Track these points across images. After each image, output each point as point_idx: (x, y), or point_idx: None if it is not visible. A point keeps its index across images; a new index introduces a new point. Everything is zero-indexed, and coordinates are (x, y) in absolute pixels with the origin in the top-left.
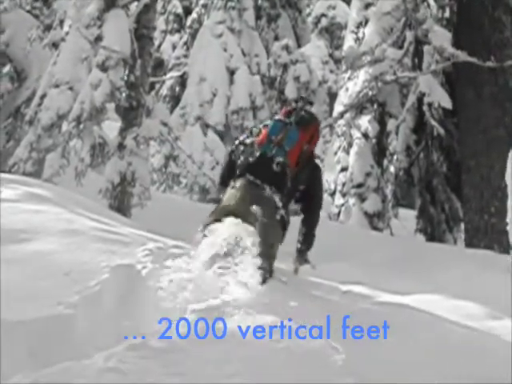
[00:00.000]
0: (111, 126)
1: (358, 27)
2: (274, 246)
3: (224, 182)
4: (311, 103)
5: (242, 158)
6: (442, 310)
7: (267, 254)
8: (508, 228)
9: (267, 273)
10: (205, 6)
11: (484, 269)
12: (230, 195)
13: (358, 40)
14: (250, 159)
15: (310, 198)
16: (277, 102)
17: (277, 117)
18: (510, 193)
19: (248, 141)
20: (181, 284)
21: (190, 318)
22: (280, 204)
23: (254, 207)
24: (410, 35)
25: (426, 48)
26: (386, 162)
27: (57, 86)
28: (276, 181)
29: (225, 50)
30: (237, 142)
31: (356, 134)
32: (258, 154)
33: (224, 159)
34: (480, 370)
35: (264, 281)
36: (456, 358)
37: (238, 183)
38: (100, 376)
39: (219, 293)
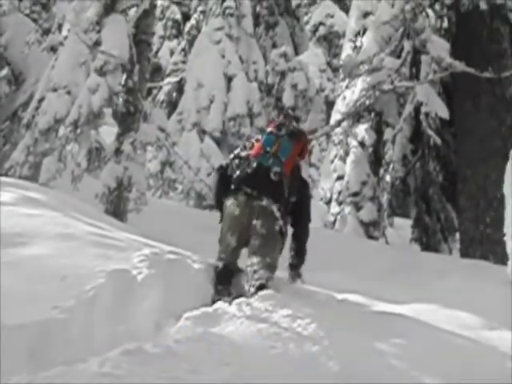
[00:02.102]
0: (108, 131)
1: (356, 36)
2: (274, 256)
3: (219, 202)
4: (298, 119)
5: (238, 171)
6: (437, 319)
7: (267, 264)
8: (505, 238)
9: (267, 282)
10: (203, 12)
11: (479, 279)
12: (230, 214)
13: (355, 49)
14: (248, 170)
15: (299, 213)
16: (274, 109)
17: (269, 129)
18: (507, 203)
19: (243, 154)
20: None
21: (185, 324)
22: (278, 214)
23: (254, 221)
24: (408, 45)
25: (423, 58)
26: (382, 170)
27: (54, 89)
28: (273, 190)
29: (223, 56)
30: (231, 156)
31: (353, 142)
32: (254, 164)
33: (213, 178)
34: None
35: (261, 288)
36: (452, 367)
37: (236, 198)
38: (95, 381)
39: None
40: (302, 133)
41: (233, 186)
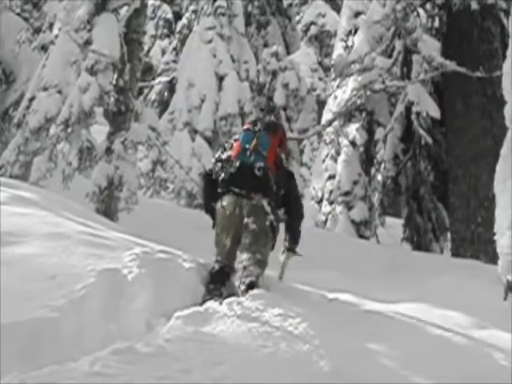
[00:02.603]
0: (99, 130)
1: (347, 35)
2: (264, 253)
3: (209, 207)
4: (273, 111)
5: (222, 173)
6: (428, 319)
7: (258, 260)
8: (495, 238)
9: (257, 279)
10: (195, 11)
11: (470, 278)
12: (222, 216)
13: (347, 48)
14: (232, 170)
15: (289, 203)
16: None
17: (245, 127)
18: (497, 203)
19: (224, 156)
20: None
21: (176, 323)
22: (268, 209)
23: (245, 219)
24: (399, 44)
25: (414, 57)
26: (373, 170)
27: (45, 89)
28: (261, 186)
29: (214, 55)
30: (213, 160)
31: (344, 142)
32: (237, 164)
33: (200, 185)
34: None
35: (253, 287)
36: (443, 367)
37: (226, 199)
38: (86, 380)
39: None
40: (277, 125)
41: (220, 189)
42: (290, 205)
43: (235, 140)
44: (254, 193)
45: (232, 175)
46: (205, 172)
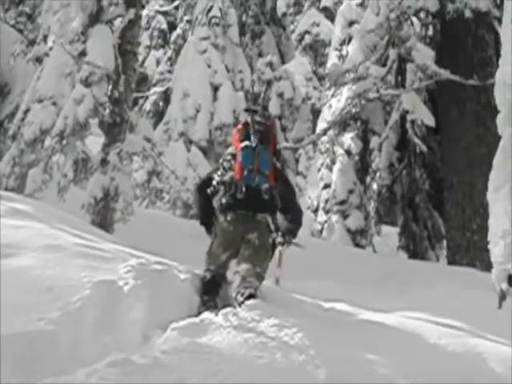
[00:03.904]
0: (94, 142)
1: (341, 44)
2: (263, 267)
3: (205, 219)
4: (256, 111)
5: (227, 196)
6: (423, 327)
7: (257, 273)
8: (489, 246)
9: (256, 292)
10: (189, 21)
11: (465, 286)
12: (224, 230)
13: (341, 57)
14: (239, 196)
15: (288, 200)
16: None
17: (243, 144)
18: (491, 212)
19: (226, 178)
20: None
21: (172, 334)
22: (273, 227)
23: (249, 235)
24: (393, 53)
25: (409, 66)
26: (368, 179)
27: (40, 100)
28: (268, 207)
29: (209, 66)
30: (214, 182)
31: (339, 150)
32: (244, 189)
33: (194, 198)
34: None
35: (250, 298)
36: (439, 375)
37: (231, 215)
38: None
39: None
40: (266, 126)
41: (222, 208)
42: (289, 202)
43: (232, 156)
44: (261, 213)
45: (239, 200)
46: (199, 185)
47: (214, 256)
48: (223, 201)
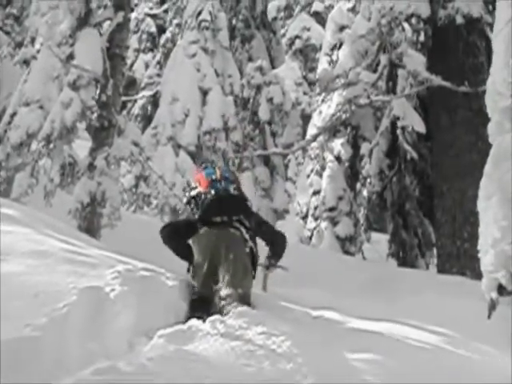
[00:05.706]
0: (82, 146)
1: (332, 49)
2: (246, 285)
3: (181, 253)
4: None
5: (199, 207)
6: (412, 335)
7: (240, 296)
8: (479, 255)
9: (244, 301)
10: (178, 25)
11: (454, 295)
12: (201, 246)
13: (332, 62)
14: (208, 200)
15: (269, 236)
16: (249, 123)
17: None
18: (481, 220)
19: (194, 193)
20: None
21: (159, 341)
22: (247, 236)
23: (223, 250)
24: (384, 59)
25: (400, 72)
26: (358, 185)
27: (27, 104)
28: (240, 206)
29: (198, 70)
30: (185, 200)
31: (329, 157)
32: (213, 191)
33: (164, 239)
34: None
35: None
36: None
37: (206, 230)
38: None
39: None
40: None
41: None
42: (272, 236)
43: (196, 181)
44: (236, 214)
45: (212, 202)
46: (164, 228)
47: (198, 276)
48: (199, 212)
